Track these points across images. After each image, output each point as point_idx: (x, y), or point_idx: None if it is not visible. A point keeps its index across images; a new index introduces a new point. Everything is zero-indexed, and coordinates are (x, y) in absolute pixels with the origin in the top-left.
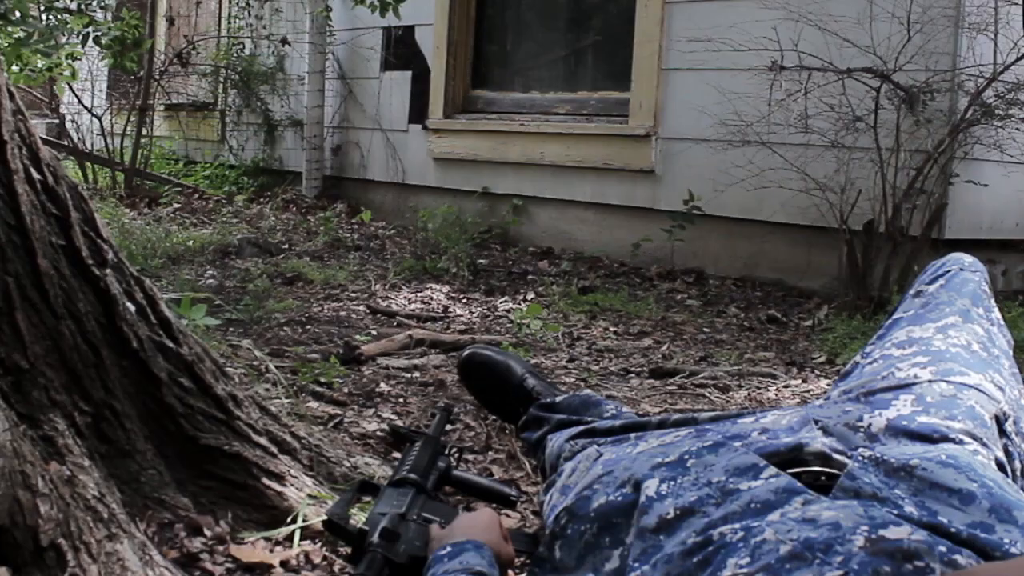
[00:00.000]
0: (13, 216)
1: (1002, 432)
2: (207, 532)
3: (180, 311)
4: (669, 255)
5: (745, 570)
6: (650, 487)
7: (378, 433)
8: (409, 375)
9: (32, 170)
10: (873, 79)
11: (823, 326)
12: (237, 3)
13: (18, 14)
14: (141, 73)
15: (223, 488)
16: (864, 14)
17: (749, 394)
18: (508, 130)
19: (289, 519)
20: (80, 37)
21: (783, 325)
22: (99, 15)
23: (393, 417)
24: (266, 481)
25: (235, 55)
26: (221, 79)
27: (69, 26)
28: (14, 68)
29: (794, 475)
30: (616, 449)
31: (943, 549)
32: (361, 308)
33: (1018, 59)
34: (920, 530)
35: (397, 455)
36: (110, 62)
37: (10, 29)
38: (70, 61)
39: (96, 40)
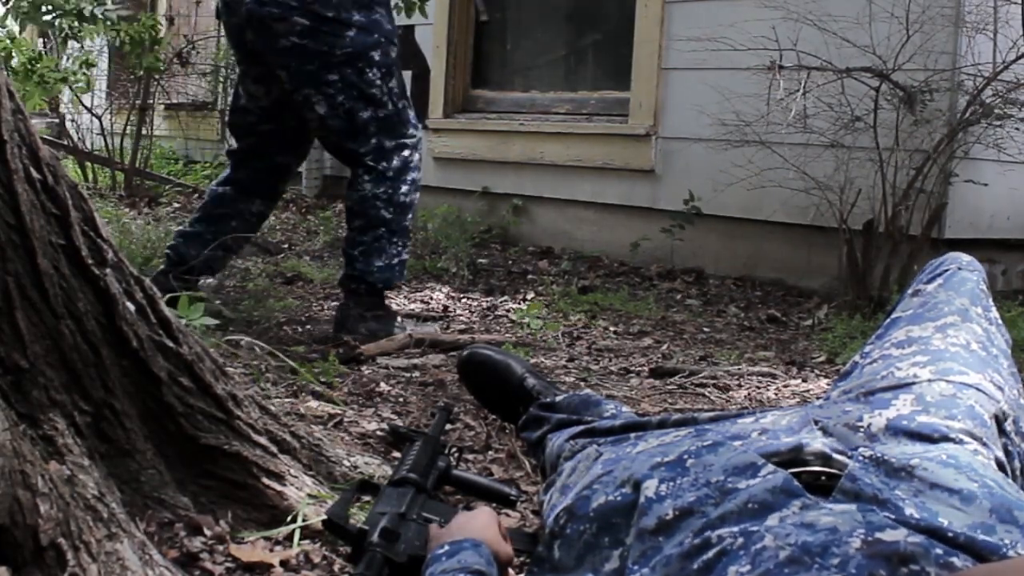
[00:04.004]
0: (13, 215)
1: (1002, 431)
2: (207, 531)
3: (178, 310)
4: (669, 255)
5: None
6: (649, 488)
7: (378, 433)
8: (409, 375)
9: (32, 169)
10: (872, 79)
11: (823, 326)
12: None
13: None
14: (141, 73)
15: (223, 487)
16: (863, 14)
17: (749, 394)
18: (508, 130)
19: (289, 519)
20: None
21: (783, 325)
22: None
23: (393, 417)
24: (266, 480)
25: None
26: (221, 79)
27: (82, 33)
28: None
29: (794, 475)
30: (616, 449)
31: (939, 552)
32: None
33: (1017, 58)
34: (916, 534)
35: (397, 455)
36: (136, 64)
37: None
38: (85, 71)
39: (119, 46)
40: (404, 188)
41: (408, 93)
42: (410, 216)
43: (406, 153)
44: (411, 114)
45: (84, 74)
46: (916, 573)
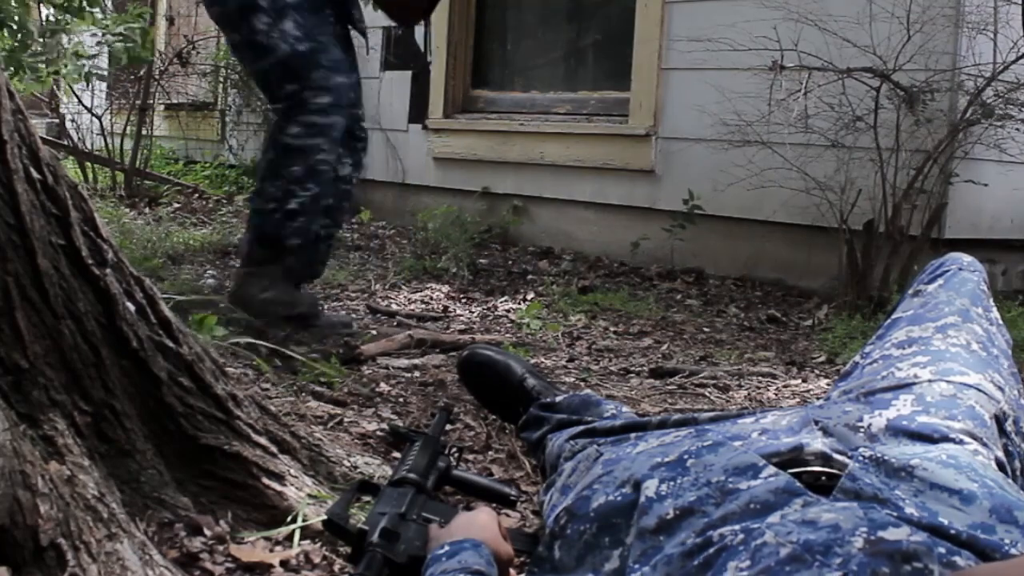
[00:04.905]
0: (13, 216)
1: (1002, 432)
2: (207, 532)
3: (192, 325)
4: (669, 255)
5: (745, 573)
6: (650, 487)
7: (378, 433)
8: (409, 375)
9: (32, 170)
10: (873, 79)
11: (823, 326)
12: None
13: (16, 21)
14: (141, 73)
15: (223, 488)
16: (864, 14)
17: (749, 394)
18: (508, 130)
19: (289, 519)
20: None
21: (783, 325)
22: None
23: (393, 417)
24: (266, 481)
25: None
26: (221, 79)
27: (69, 26)
28: (18, 76)
29: (794, 475)
30: (616, 449)
31: (942, 550)
32: (361, 308)
33: (1018, 59)
34: (919, 531)
35: (397, 455)
36: (124, 58)
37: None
38: (75, 61)
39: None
40: (294, 130)
41: (342, 52)
42: (298, 164)
43: (307, 94)
44: (329, 56)
45: (75, 64)
46: (919, 571)
